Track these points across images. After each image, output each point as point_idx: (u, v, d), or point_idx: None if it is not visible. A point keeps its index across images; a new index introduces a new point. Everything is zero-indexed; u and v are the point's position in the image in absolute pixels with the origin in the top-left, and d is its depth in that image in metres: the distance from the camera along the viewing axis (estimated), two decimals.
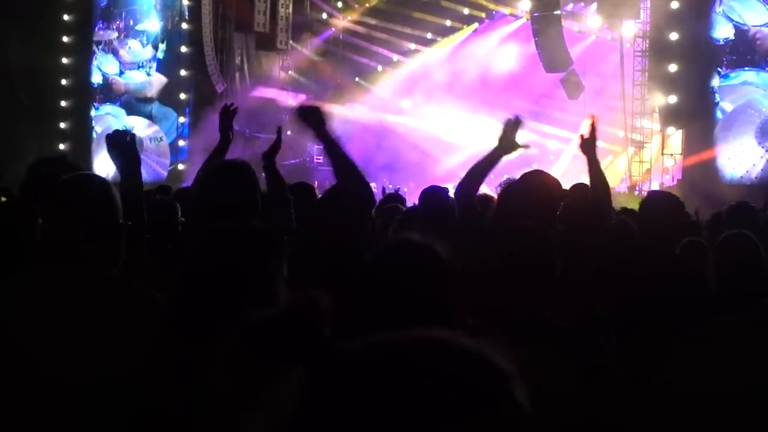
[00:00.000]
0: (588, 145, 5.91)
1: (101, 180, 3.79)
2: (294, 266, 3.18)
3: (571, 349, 3.71)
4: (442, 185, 7.64)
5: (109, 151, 4.77)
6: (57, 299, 3.42)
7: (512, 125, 5.86)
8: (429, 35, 34.41)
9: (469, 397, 1.26)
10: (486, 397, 1.28)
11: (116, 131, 4.77)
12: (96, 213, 3.62)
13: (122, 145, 4.74)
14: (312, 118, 4.91)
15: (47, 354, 3.28)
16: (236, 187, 4.66)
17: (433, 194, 7.26)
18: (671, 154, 26.11)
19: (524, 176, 5.87)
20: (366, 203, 5.07)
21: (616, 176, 27.76)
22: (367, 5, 34.61)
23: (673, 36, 24.97)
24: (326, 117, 4.94)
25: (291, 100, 33.26)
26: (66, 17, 33.99)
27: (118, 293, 3.54)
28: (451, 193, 6.50)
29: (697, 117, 24.81)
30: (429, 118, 31.48)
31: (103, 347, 3.28)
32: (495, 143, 5.87)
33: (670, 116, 25.36)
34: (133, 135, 4.80)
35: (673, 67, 24.97)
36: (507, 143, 5.85)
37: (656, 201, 6.72)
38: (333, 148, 4.91)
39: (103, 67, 33.71)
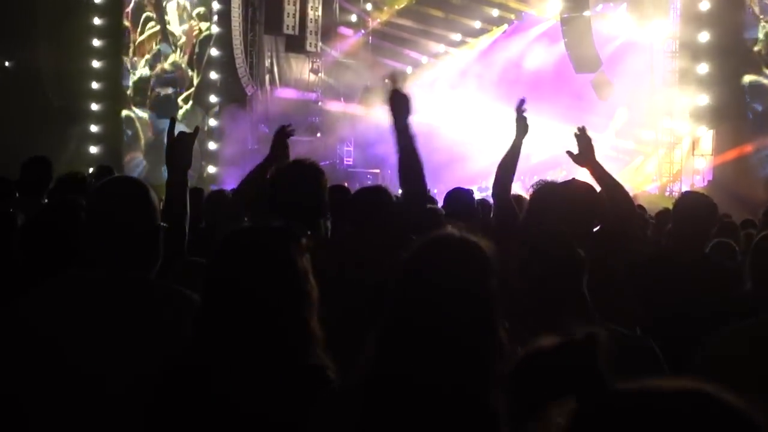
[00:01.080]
0: (583, 157, 5.90)
1: (139, 183, 3.81)
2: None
3: (631, 358, 3.70)
4: (467, 187, 7.67)
5: (170, 151, 4.80)
6: (93, 302, 3.46)
7: (520, 108, 6.04)
8: (459, 37, 34.41)
9: None
10: None
11: (181, 133, 4.79)
12: (133, 216, 3.65)
13: (182, 147, 4.79)
14: (399, 105, 4.81)
15: (85, 357, 3.33)
16: (306, 187, 4.72)
17: (456, 196, 7.29)
18: (702, 155, 25.99)
19: (562, 185, 5.82)
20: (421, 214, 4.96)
21: (646, 177, 27.67)
22: (396, 7, 34.60)
23: (704, 36, 24.89)
24: (412, 108, 4.83)
25: (320, 102, 33.35)
26: (96, 21, 34.19)
27: (155, 295, 3.58)
28: (477, 195, 6.56)
29: (727, 117, 24.70)
30: (458, 119, 31.43)
31: (140, 349, 3.33)
32: (514, 130, 6.04)
33: (701, 117, 25.26)
34: (193, 137, 4.84)
35: (703, 68, 24.88)
36: (522, 125, 6.02)
37: (689, 202, 6.70)
38: (408, 143, 4.77)
39: (134, 70, 33.92)
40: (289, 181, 4.77)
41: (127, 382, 3.26)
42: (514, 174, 6.01)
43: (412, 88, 4.84)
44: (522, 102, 6.07)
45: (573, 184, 5.82)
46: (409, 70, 34.06)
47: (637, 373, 1.35)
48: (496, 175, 5.99)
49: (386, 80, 4.93)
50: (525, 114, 6.03)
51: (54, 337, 3.38)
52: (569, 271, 4.02)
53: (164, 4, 33.36)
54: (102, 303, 3.46)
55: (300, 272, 3.09)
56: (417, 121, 4.75)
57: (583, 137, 5.91)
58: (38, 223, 4.70)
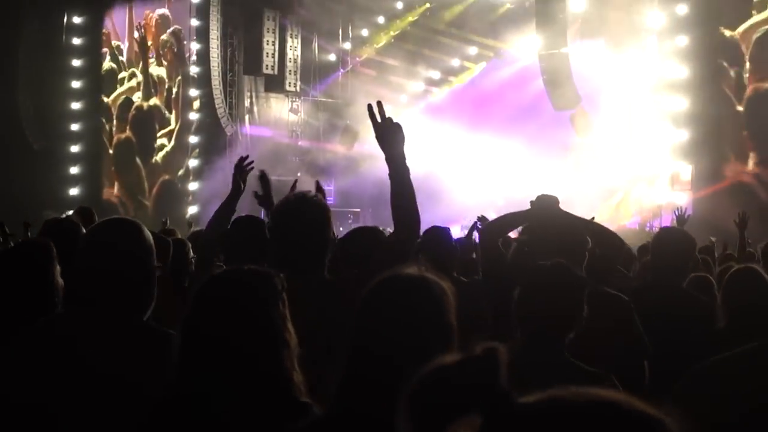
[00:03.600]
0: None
1: (132, 227, 3.90)
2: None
3: None
4: (448, 225, 7.66)
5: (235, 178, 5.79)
6: (84, 343, 3.56)
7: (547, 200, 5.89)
8: (438, 75, 34.54)
9: None
10: None
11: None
12: (126, 263, 3.75)
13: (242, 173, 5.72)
14: (390, 134, 4.69)
15: (71, 394, 3.42)
16: (309, 223, 4.58)
17: (434, 234, 7.27)
18: (682, 190, 26.05)
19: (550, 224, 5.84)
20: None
21: (626, 213, 27.73)
22: (375, 45, 34.75)
23: (682, 72, 25.02)
24: (403, 136, 4.69)
25: (300, 142, 33.42)
26: (75, 62, 34.31)
27: (142, 337, 3.68)
28: (459, 232, 6.54)
29: (707, 152, 24.79)
30: (437, 157, 31.50)
31: (125, 388, 3.41)
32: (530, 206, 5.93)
33: (680, 151, 25.35)
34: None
35: (682, 103, 24.99)
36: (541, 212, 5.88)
37: (667, 237, 6.74)
38: (401, 172, 4.62)
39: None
40: (291, 216, 4.60)
41: (110, 420, 3.33)
42: (510, 230, 6.05)
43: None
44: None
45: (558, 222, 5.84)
46: (389, 108, 34.00)
47: None
48: (492, 224, 6.06)
49: (374, 108, 4.76)
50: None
51: (41, 374, 3.49)
52: (573, 297, 4.12)
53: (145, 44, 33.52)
54: (91, 342, 3.54)
55: (274, 319, 3.08)
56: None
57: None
58: (11, 263, 4.69)
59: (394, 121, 4.71)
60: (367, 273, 4.70)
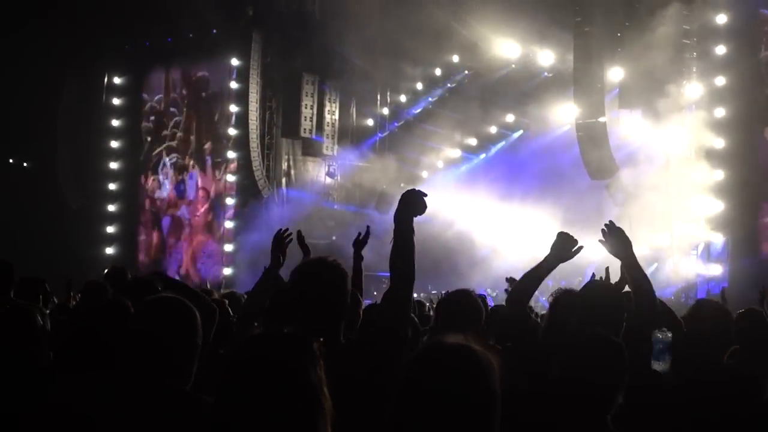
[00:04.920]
0: (616, 249, 5.82)
1: (183, 305, 4.14)
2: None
3: None
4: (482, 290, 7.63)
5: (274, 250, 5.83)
6: (123, 405, 3.78)
7: (567, 238, 5.91)
8: (474, 141, 34.57)
9: None
10: None
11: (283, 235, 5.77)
12: (173, 336, 4.00)
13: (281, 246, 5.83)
14: (411, 200, 4.75)
15: None
16: (327, 287, 4.57)
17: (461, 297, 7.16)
18: (717, 261, 25.89)
19: (586, 287, 5.83)
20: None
21: (661, 283, 27.53)
22: (413, 112, 34.91)
23: (718, 143, 24.99)
24: (422, 205, 4.76)
25: (336, 206, 33.46)
26: (114, 122, 34.65)
27: (186, 405, 3.85)
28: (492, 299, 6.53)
29: (742, 224, 24.69)
30: (474, 222, 31.45)
31: None
32: (550, 252, 5.92)
33: (716, 222, 25.24)
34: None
35: (719, 174, 24.93)
36: (561, 253, 5.88)
37: (702, 310, 6.65)
38: (406, 232, 4.69)
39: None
40: (310, 280, 4.60)
41: None
42: (534, 291, 5.96)
43: (428, 190, 4.80)
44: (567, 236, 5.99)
45: (595, 287, 5.81)
46: (425, 174, 34.12)
47: None
48: (516, 287, 5.97)
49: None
50: (569, 243, 5.93)
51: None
52: (616, 368, 4.12)
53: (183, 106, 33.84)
54: (129, 408, 3.77)
55: (311, 383, 3.07)
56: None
57: (613, 229, 5.85)
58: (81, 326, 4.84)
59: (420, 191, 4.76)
60: (377, 331, 4.73)
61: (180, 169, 34.30)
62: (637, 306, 5.71)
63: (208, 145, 33.56)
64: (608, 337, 4.35)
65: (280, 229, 6.18)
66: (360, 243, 7.81)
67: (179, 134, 34.34)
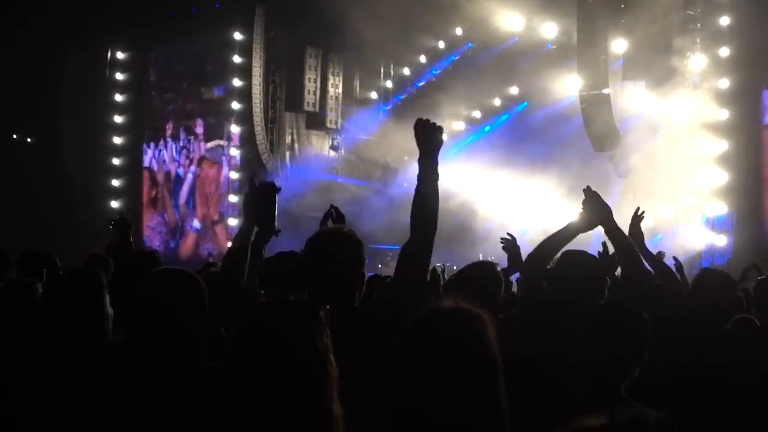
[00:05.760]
0: (594, 216, 5.74)
1: (188, 275, 4.10)
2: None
3: None
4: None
5: (251, 202, 5.35)
6: (134, 373, 3.76)
7: (592, 197, 5.80)
8: (479, 114, 34.52)
9: None
10: None
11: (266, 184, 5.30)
12: (180, 307, 3.94)
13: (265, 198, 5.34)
14: (428, 134, 4.88)
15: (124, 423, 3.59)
16: (343, 256, 4.57)
17: (479, 271, 7.07)
18: (722, 232, 25.86)
19: (563, 254, 5.73)
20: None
21: (665, 254, 27.48)
22: (416, 84, 34.83)
23: (723, 114, 24.92)
24: (440, 139, 4.88)
25: (340, 179, 33.43)
26: (118, 97, 34.59)
27: (185, 370, 3.86)
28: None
29: (746, 194, 24.67)
30: (479, 193, 31.40)
31: (166, 419, 3.56)
32: (577, 218, 5.81)
33: (721, 194, 25.21)
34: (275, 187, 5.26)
35: (723, 145, 24.88)
36: (591, 219, 5.77)
37: (708, 279, 6.65)
38: (431, 180, 4.77)
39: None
40: (325, 249, 4.59)
41: None
42: (552, 258, 5.85)
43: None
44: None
45: (571, 254, 5.69)
46: None
47: None
48: (534, 252, 5.85)
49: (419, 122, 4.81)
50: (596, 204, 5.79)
51: (95, 403, 3.64)
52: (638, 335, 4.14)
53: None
54: (142, 375, 3.75)
55: (317, 349, 3.06)
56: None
57: (590, 196, 5.78)
58: (61, 293, 4.75)
59: (435, 123, 4.75)
60: (392, 293, 4.73)
61: (184, 143, 34.30)
62: (624, 273, 5.71)
63: (212, 120, 33.53)
64: (632, 309, 4.37)
65: (254, 181, 5.81)
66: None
67: (183, 109, 34.31)
